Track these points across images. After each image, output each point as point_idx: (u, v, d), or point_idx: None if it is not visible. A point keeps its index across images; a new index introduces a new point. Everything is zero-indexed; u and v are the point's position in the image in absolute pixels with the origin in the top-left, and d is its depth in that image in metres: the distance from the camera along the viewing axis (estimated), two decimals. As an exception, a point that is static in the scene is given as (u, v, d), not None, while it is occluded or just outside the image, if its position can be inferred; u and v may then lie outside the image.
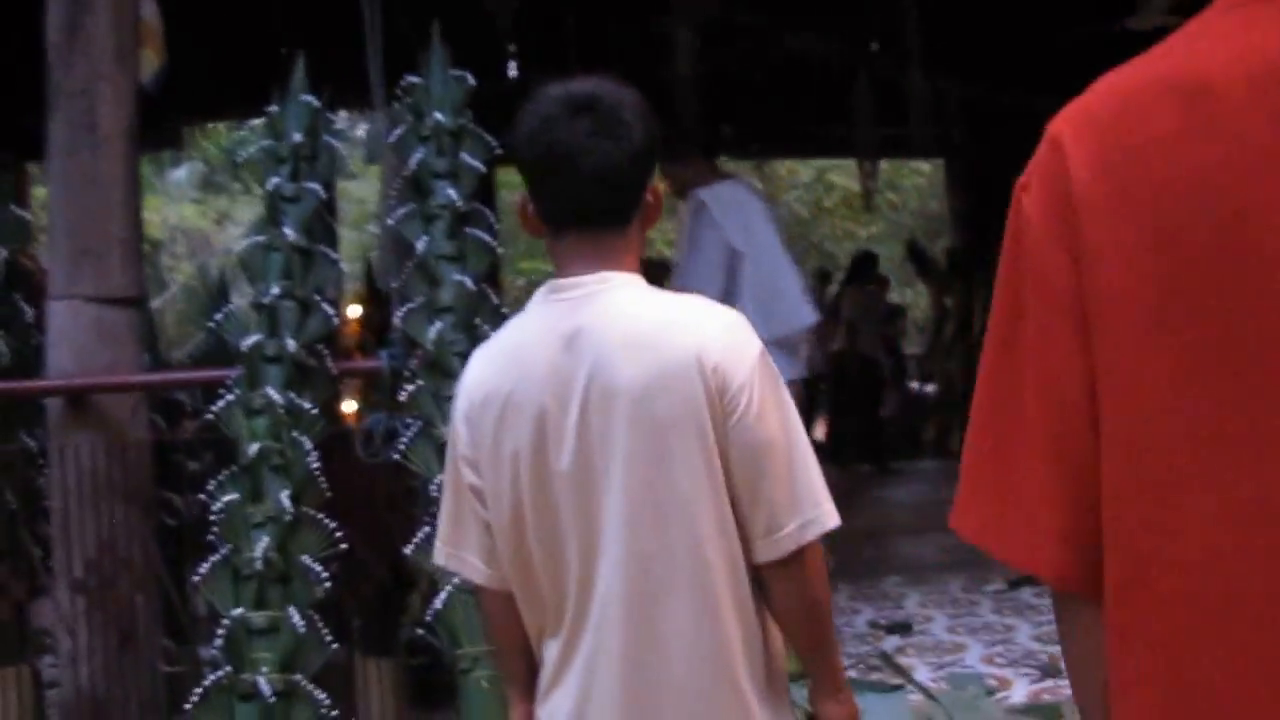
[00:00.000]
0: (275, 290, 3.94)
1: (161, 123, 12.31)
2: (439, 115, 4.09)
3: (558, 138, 1.99)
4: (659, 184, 2.09)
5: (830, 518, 1.96)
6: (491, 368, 2.06)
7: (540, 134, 2.01)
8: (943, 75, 11.47)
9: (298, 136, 4.15)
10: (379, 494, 4.09)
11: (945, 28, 11.08)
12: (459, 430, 2.08)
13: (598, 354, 1.94)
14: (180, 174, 24.46)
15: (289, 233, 4.01)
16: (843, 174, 21.56)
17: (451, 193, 4.01)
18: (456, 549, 2.12)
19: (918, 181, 23.47)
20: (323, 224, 4.16)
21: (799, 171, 23.08)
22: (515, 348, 2.05)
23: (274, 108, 4.22)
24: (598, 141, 1.98)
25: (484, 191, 11.66)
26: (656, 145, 2.06)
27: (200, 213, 26.23)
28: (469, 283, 3.89)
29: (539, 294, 2.06)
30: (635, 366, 1.92)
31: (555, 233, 2.06)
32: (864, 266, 13.51)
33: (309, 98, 4.22)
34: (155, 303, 23.91)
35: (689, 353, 1.91)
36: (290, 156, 4.13)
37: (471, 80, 4.19)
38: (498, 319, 4.00)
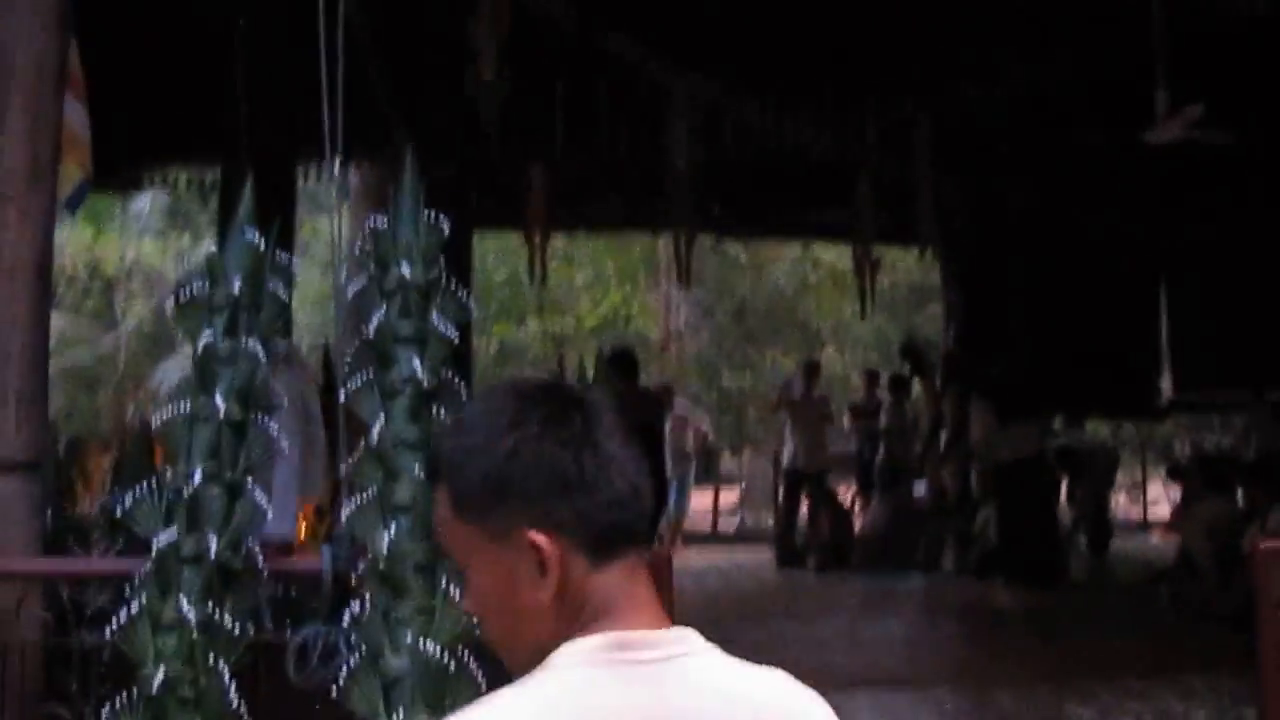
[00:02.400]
0: (198, 475, 3.31)
1: (116, 164, 11.89)
2: (406, 268, 3.47)
3: (573, 430, 1.53)
4: None
5: None
6: None
7: (550, 431, 1.52)
8: (948, 171, 11.38)
9: (238, 283, 3.52)
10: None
11: (955, 127, 11.02)
12: None
13: None
14: (143, 205, 23.76)
15: (219, 403, 3.38)
16: (830, 250, 21.19)
17: (416, 364, 3.38)
18: None
19: (905, 260, 23.18)
20: (262, 387, 3.53)
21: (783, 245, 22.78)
22: None
23: (213, 248, 3.59)
24: (618, 433, 1.56)
25: (460, 265, 11.37)
26: None
27: (159, 249, 25.67)
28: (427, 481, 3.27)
29: (589, 649, 1.48)
30: None
31: (596, 561, 1.51)
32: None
33: (252, 233, 3.59)
34: (106, 340, 23.27)
35: None
36: (227, 306, 3.51)
37: (446, 228, 3.57)
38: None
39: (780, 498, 14.57)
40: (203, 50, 8.60)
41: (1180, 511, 11.50)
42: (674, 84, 8.73)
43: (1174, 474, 13.88)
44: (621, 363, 9.95)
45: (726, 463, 25.76)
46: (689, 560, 14.31)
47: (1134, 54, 8.94)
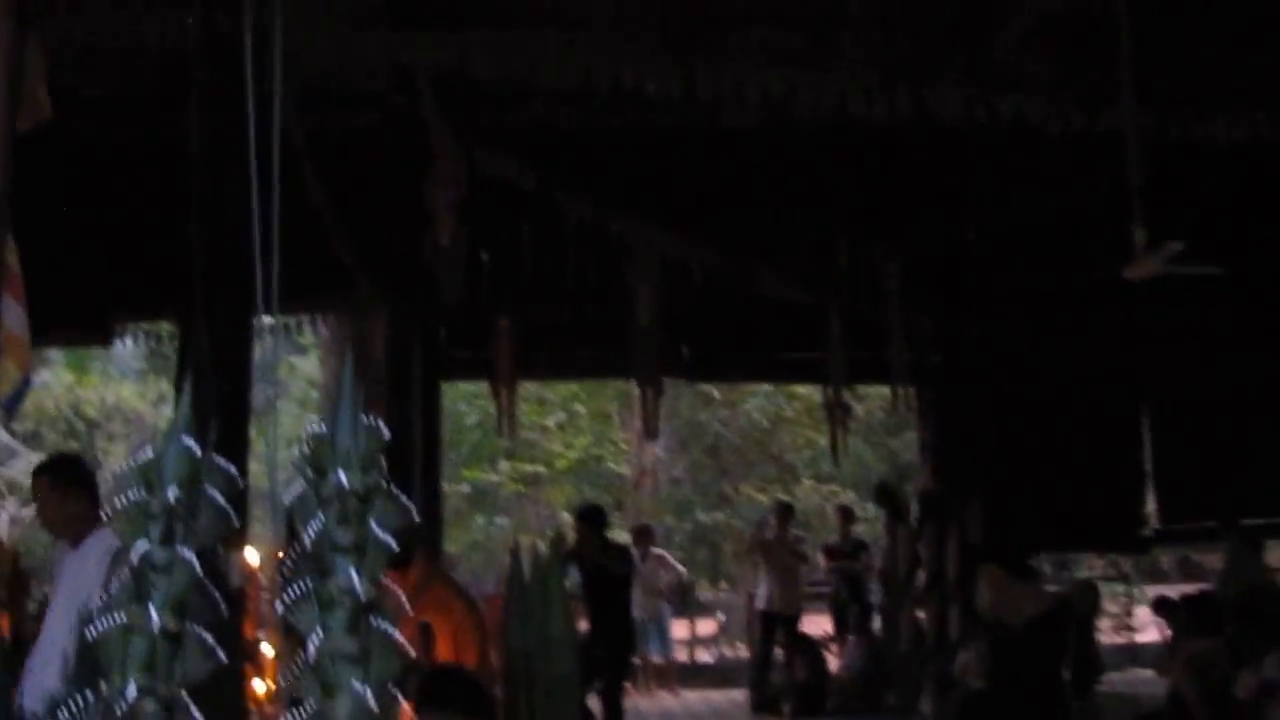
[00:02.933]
0: (131, 691, 3.23)
1: (89, 317, 12.03)
2: (343, 475, 3.42)
3: None
4: None
5: None
6: None
7: None
8: (919, 309, 11.42)
9: (173, 490, 3.47)
10: None
11: (926, 265, 11.08)
12: None
13: None
14: (123, 350, 23.99)
15: (154, 616, 3.30)
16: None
17: (353, 575, 3.32)
18: None
19: (882, 390, 23.29)
20: (203, 597, 3.45)
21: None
22: None
23: (148, 453, 3.55)
24: None
25: (429, 414, 11.39)
26: None
27: (139, 394, 25.78)
28: (369, 697, 3.19)
29: None
30: None
31: None
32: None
33: (188, 441, 3.54)
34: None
35: None
36: (162, 514, 3.45)
37: (387, 434, 3.54)
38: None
39: (754, 640, 14.42)
40: (161, 204, 8.69)
41: (1168, 651, 11.25)
42: (635, 240, 8.79)
43: (1160, 610, 13.67)
44: (589, 517, 9.98)
45: (704, 591, 25.62)
46: (662, 702, 14.10)
47: (1110, 189, 9.00)
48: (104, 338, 13.41)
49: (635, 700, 14.15)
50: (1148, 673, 13.38)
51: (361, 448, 3.48)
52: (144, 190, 9.12)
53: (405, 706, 3.30)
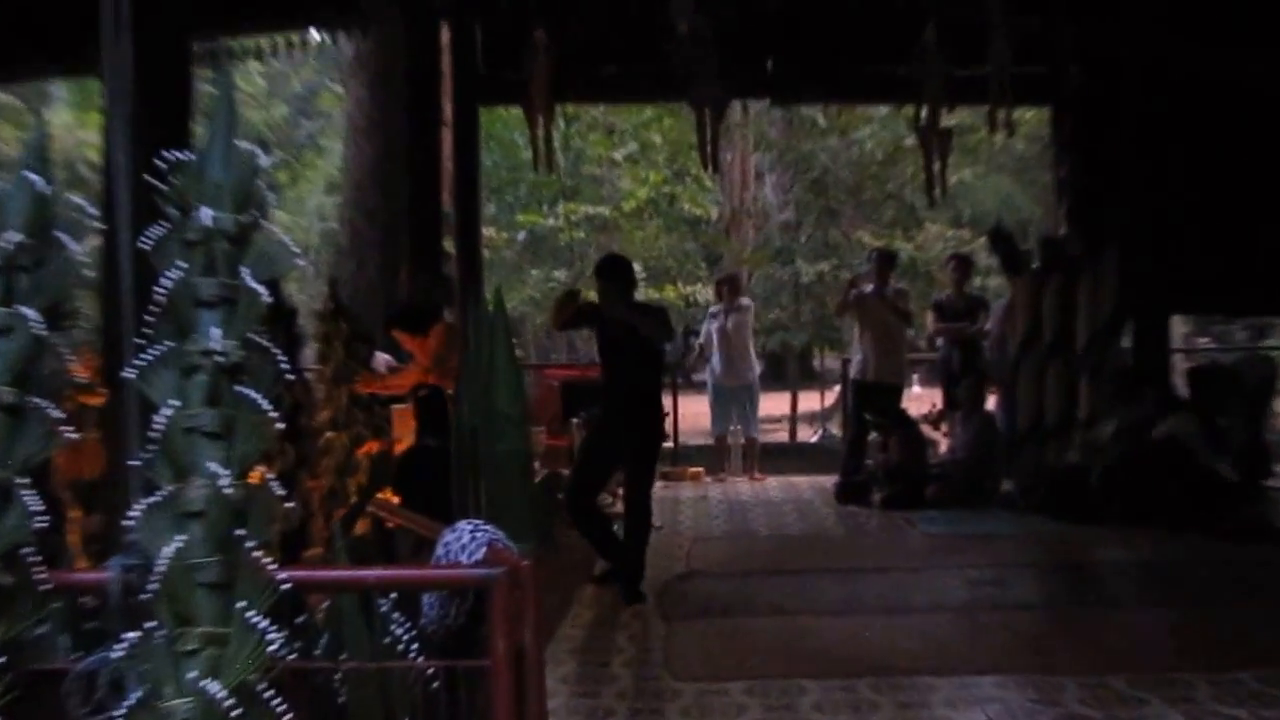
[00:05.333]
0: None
1: (71, 43, 11.93)
2: (209, 213, 3.32)
3: None
4: None
5: None
6: None
7: None
8: (1045, 13, 10.97)
9: (13, 234, 3.41)
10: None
11: None
12: None
13: None
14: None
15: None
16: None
17: (217, 334, 3.24)
18: None
19: (1025, 114, 22.68)
20: (51, 364, 3.43)
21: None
22: None
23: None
24: None
25: (466, 136, 11.26)
26: None
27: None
28: (224, 480, 3.13)
29: None
30: None
31: None
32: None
33: (34, 178, 3.46)
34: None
35: None
36: (2, 267, 3.40)
37: (265, 159, 3.42)
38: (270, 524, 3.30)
39: (848, 416, 14.32)
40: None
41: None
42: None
43: None
44: (610, 272, 9.10)
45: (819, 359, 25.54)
46: (736, 488, 14.14)
47: None
48: (91, 67, 13.22)
49: (706, 487, 14.26)
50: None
51: (234, 180, 3.39)
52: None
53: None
